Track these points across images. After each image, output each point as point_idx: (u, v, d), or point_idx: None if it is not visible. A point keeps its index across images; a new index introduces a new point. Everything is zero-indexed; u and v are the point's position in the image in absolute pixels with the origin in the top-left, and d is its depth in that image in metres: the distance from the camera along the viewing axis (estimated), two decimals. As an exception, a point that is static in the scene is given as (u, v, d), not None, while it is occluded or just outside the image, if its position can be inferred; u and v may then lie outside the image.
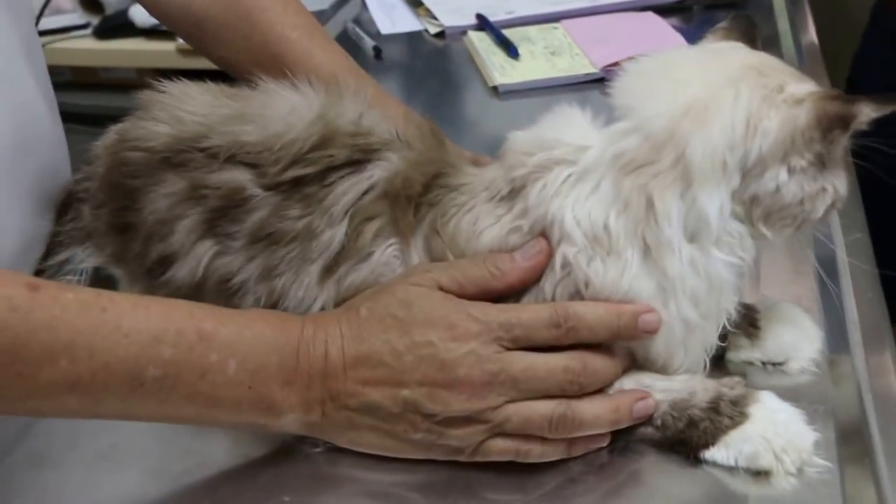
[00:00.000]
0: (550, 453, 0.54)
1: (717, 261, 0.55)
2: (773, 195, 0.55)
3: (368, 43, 1.20)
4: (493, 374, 0.52)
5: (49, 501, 0.56)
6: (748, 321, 0.63)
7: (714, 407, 0.55)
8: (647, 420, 0.55)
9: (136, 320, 0.49)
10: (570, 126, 0.58)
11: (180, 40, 1.54)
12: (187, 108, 0.60)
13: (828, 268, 0.72)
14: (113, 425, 0.53)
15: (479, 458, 0.54)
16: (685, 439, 0.55)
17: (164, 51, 1.54)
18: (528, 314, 0.54)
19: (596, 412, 0.54)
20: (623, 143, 0.55)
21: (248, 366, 0.51)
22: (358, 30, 1.24)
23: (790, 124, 0.54)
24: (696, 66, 0.58)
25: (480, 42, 1.19)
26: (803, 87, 0.55)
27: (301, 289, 0.57)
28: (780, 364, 0.62)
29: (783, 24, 1.24)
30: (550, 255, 0.55)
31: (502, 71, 1.12)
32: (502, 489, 0.54)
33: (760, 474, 0.54)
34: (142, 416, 0.52)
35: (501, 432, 0.53)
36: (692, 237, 0.54)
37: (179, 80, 0.63)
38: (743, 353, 0.63)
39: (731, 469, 0.54)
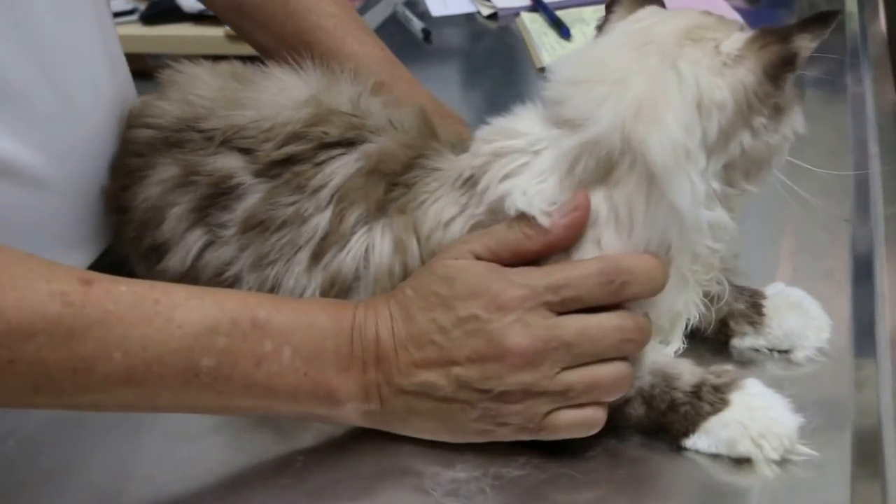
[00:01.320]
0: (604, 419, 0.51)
1: (685, 264, 0.52)
2: (741, 157, 0.51)
3: (417, 25, 1.18)
4: (545, 340, 0.48)
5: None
6: (753, 307, 0.59)
7: (696, 392, 0.52)
8: (636, 391, 0.52)
9: (189, 311, 0.48)
10: (533, 117, 0.54)
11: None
12: (196, 91, 0.60)
13: (864, 242, 0.69)
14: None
15: (546, 435, 0.50)
16: (666, 424, 0.52)
17: (212, 36, 1.48)
18: (577, 271, 0.49)
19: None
20: (577, 162, 0.51)
21: (303, 353, 0.49)
22: (407, 12, 1.22)
23: (741, 87, 0.50)
24: (627, 56, 0.52)
25: (532, 23, 1.15)
26: (735, 38, 0.51)
27: (292, 277, 0.55)
28: (785, 352, 0.59)
29: (851, 5, 1.17)
30: (589, 211, 0.50)
31: (552, 52, 1.08)
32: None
33: (743, 462, 0.50)
34: (199, 407, 0.50)
35: (567, 404, 0.49)
36: (661, 239, 0.51)
37: (197, 61, 0.63)
38: (747, 339, 0.59)
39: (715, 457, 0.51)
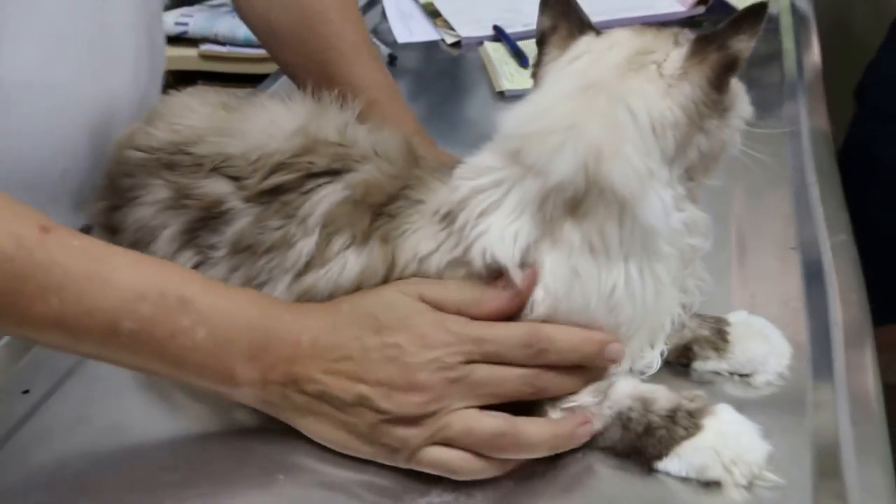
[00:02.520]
0: (485, 471, 0.51)
1: (661, 273, 0.53)
2: (700, 157, 0.53)
3: (384, 50, 1.18)
4: (453, 380, 0.50)
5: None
6: (718, 334, 0.60)
7: (671, 416, 0.52)
8: (615, 414, 0.53)
9: (127, 275, 0.50)
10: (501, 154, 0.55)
11: (202, 46, 1.61)
12: (185, 121, 0.60)
13: (813, 269, 0.70)
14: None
15: (413, 465, 0.51)
16: (641, 447, 0.52)
17: (186, 56, 1.62)
18: (503, 331, 0.52)
19: (540, 436, 0.51)
20: (545, 202, 0.52)
21: (216, 336, 0.51)
22: (375, 39, 1.21)
23: (690, 103, 0.51)
24: (575, 102, 0.52)
25: (495, 52, 1.16)
26: (674, 56, 0.52)
27: (274, 295, 0.55)
28: (746, 376, 0.59)
29: (788, 43, 1.20)
30: (529, 295, 0.52)
31: (511, 78, 1.09)
32: (455, 488, 0.52)
33: (712, 486, 0.51)
34: (117, 362, 0.52)
35: (441, 440, 0.50)
36: (643, 249, 0.52)
37: (194, 87, 0.63)
38: (710, 363, 0.60)
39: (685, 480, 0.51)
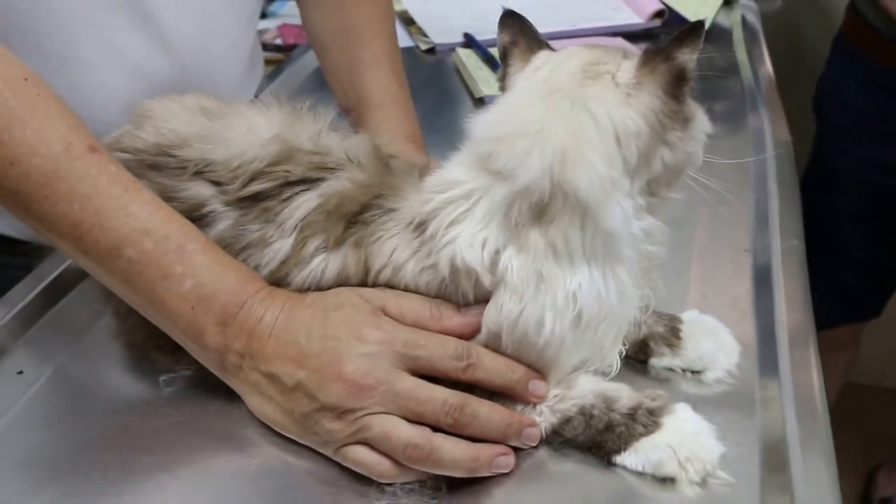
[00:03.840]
0: (399, 478, 0.51)
1: (622, 275, 0.53)
2: (663, 170, 0.53)
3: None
4: (378, 380, 0.50)
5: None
6: (671, 331, 0.61)
7: (632, 414, 0.53)
8: (578, 409, 0.54)
9: (143, 210, 0.53)
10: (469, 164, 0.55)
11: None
12: (169, 126, 0.59)
13: (763, 272, 0.71)
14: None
15: (339, 460, 0.52)
16: (601, 442, 0.53)
17: None
18: (436, 341, 0.52)
19: (456, 456, 0.50)
20: (512, 208, 0.52)
21: (199, 291, 0.53)
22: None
23: (650, 112, 0.51)
24: (539, 107, 0.52)
25: (468, 58, 1.16)
26: (626, 67, 0.53)
27: None
28: (697, 372, 0.60)
29: (741, 55, 1.21)
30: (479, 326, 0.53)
31: (487, 84, 1.09)
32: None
33: (666, 481, 0.52)
34: (112, 286, 0.55)
35: (362, 440, 0.51)
36: (605, 253, 0.52)
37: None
38: (665, 360, 0.61)
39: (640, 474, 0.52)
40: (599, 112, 0.51)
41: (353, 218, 0.55)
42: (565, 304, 0.52)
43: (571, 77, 0.52)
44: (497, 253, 0.52)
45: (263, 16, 1.60)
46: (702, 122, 0.55)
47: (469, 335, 0.54)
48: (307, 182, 0.56)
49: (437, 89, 1.14)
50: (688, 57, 0.52)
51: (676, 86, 0.52)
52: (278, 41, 1.47)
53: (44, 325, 0.67)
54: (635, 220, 0.53)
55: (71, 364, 0.63)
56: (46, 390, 0.60)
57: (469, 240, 0.52)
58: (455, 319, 0.54)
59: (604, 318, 0.53)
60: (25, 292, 0.68)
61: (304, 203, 0.55)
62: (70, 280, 0.70)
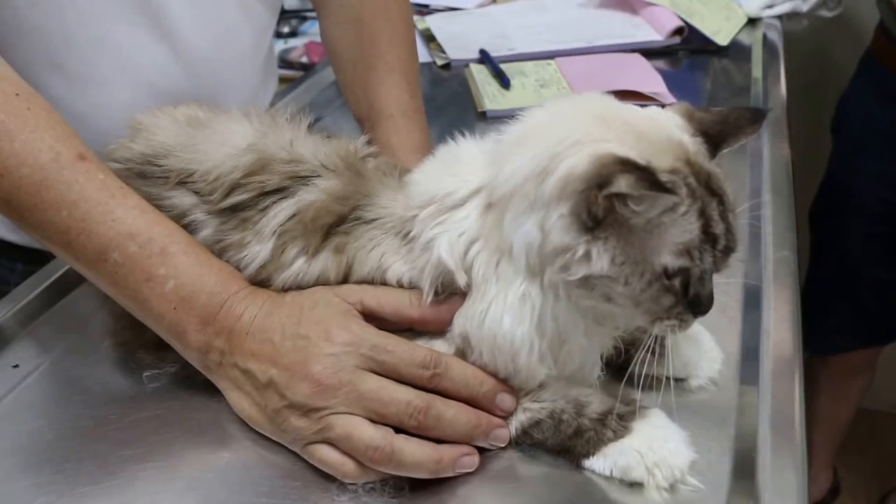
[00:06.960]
0: (361, 478, 0.50)
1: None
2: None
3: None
4: (342, 381, 0.49)
5: None
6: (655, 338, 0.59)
7: (602, 419, 0.51)
8: (548, 413, 0.52)
9: (128, 215, 0.53)
10: (456, 168, 0.54)
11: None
12: (157, 137, 0.60)
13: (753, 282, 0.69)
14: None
15: (307, 458, 0.51)
16: (570, 447, 0.52)
17: None
18: (404, 348, 0.51)
19: (418, 458, 0.49)
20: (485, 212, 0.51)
21: (181, 292, 0.53)
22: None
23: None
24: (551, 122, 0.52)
25: (479, 73, 1.15)
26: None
27: None
28: (680, 380, 0.58)
29: (757, 72, 1.19)
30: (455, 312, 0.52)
31: (492, 99, 1.08)
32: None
33: (635, 486, 0.50)
34: (104, 288, 0.55)
35: (326, 439, 0.50)
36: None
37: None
38: (647, 367, 0.57)
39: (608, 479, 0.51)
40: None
41: (330, 229, 0.54)
42: (520, 305, 0.50)
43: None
44: (471, 244, 0.51)
45: (293, 34, 1.60)
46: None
47: (447, 321, 0.53)
48: (283, 191, 0.55)
49: (443, 103, 1.13)
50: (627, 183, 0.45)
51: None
52: (304, 59, 1.47)
53: (44, 322, 0.68)
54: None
55: (65, 359, 0.63)
56: (38, 383, 0.61)
57: (449, 237, 0.52)
58: (434, 306, 0.53)
59: (565, 336, 0.52)
60: (29, 290, 0.69)
61: (281, 211, 0.55)
62: (73, 279, 0.71)
